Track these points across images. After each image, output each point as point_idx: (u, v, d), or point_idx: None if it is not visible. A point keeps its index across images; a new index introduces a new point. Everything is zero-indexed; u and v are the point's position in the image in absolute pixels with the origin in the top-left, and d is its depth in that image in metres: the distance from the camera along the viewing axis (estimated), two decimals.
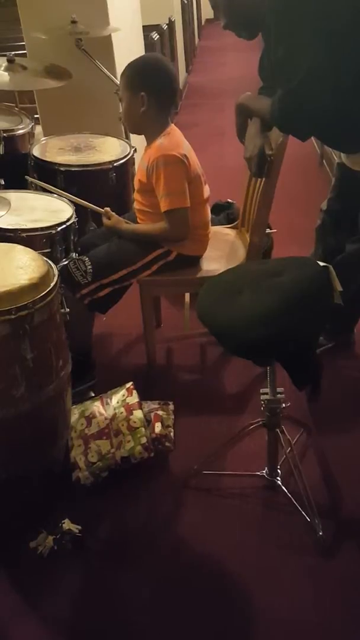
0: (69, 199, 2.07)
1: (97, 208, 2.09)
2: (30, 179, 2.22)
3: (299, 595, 1.45)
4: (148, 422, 1.87)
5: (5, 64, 2.53)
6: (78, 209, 2.08)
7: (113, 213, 2.06)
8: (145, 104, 1.90)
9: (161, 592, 1.49)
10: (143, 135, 2.01)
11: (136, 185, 2.05)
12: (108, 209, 2.07)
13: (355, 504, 1.67)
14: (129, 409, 1.83)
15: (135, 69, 1.94)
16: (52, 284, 1.53)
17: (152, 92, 1.90)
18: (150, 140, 1.97)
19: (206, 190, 2.05)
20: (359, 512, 1.65)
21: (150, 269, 2.03)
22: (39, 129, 3.04)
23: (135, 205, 2.09)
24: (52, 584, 1.53)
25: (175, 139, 1.94)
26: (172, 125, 1.99)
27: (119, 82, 1.95)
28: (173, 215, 1.92)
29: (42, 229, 1.90)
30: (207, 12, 11.83)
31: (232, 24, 1.72)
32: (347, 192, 2.03)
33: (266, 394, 1.61)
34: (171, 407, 2.01)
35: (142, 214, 2.05)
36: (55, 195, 2.14)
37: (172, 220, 1.93)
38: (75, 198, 2.09)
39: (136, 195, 2.07)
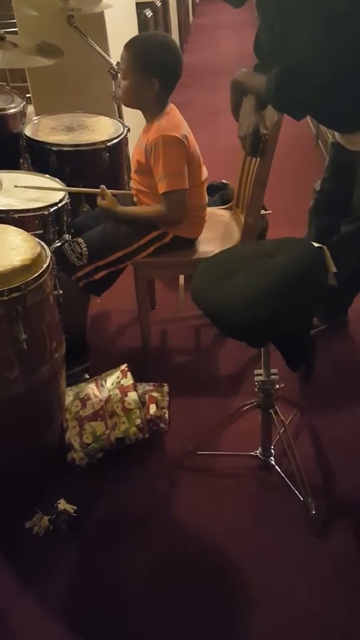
0: (66, 191, 2.02)
1: (92, 190, 2.06)
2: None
3: (291, 573, 1.47)
4: (143, 403, 1.87)
5: None
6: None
7: (108, 192, 2.03)
8: (155, 90, 1.87)
9: (156, 571, 1.51)
10: (138, 110, 1.98)
11: (134, 165, 2.02)
12: (103, 186, 2.03)
13: (347, 483, 1.69)
14: (124, 391, 1.83)
15: (151, 52, 1.86)
16: (44, 266, 1.51)
17: (164, 78, 1.87)
18: (149, 119, 1.95)
19: (204, 172, 2.03)
20: (352, 492, 1.67)
21: (146, 251, 2.02)
22: (30, 108, 3.00)
23: (133, 185, 2.07)
24: (48, 563, 1.54)
25: (175, 120, 1.92)
26: (171, 104, 1.96)
27: (123, 55, 1.88)
28: (171, 197, 1.90)
29: (34, 209, 1.88)
30: None
31: None
32: (341, 172, 2.02)
33: (260, 375, 1.61)
34: (166, 388, 2.01)
35: (139, 193, 2.03)
36: (47, 175, 2.12)
37: (170, 202, 1.91)
38: (70, 188, 2.05)
39: (134, 175, 2.05)
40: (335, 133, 1.97)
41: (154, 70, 1.85)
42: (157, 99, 1.91)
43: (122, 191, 2.22)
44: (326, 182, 2.11)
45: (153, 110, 1.93)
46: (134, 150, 2.06)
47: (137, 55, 1.86)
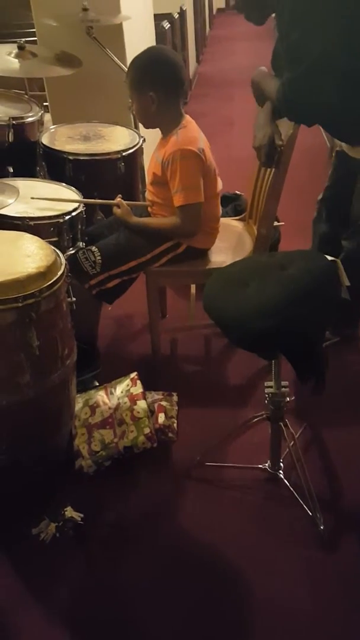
0: (83, 202, 2.04)
1: (109, 201, 2.07)
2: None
3: (298, 587, 1.46)
4: (152, 412, 1.87)
5: (15, 50, 2.51)
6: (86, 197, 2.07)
7: (124, 203, 2.05)
8: (156, 102, 1.88)
9: (161, 581, 1.50)
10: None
11: (150, 177, 2.04)
12: (120, 198, 2.05)
13: (356, 498, 1.68)
14: (133, 399, 1.84)
15: (140, 68, 1.90)
16: (59, 273, 1.53)
17: (160, 88, 1.88)
18: (166, 133, 1.96)
19: (219, 184, 2.04)
20: None
21: (159, 261, 2.03)
22: (48, 117, 3.03)
23: (148, 196, 2.09)
24: (54, 570, 1.54)
25: (191, 133, 1.93)
26: (187, 116, 1.97)
27: (125, 82, 1.93)
28: (187, 211, 1.91)
29: (49, 217, 1.90)
30: (219, 1, 11.75)
31: (244, 3, 1.71)
32: (343, 181, 2.02)
33: (271, 387, 1.61)
34: (175, 398, 2.01)
35: (154, 205, 2.05)
36: (63, 184, 2.14)
37: (185, 215, 1.92)
38: (86, 200, 2.06)
39: (149, 187, 2.07)
40: (343, 143, 1.97)
41: (148, 84, 1.87)
42: (167, 112, 1.92)
43: (138, 202, 2.24)
44: (328, 190, 2.11)
45: (169, 125, 1.94)
46: (149, 163, 2.08)
47: (132, 76, 1.91)
